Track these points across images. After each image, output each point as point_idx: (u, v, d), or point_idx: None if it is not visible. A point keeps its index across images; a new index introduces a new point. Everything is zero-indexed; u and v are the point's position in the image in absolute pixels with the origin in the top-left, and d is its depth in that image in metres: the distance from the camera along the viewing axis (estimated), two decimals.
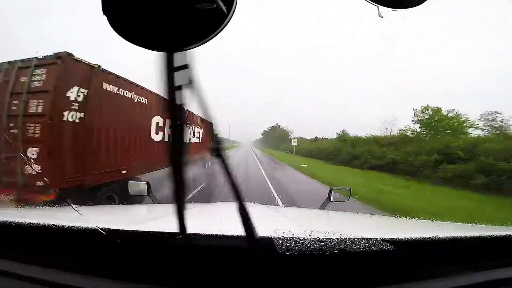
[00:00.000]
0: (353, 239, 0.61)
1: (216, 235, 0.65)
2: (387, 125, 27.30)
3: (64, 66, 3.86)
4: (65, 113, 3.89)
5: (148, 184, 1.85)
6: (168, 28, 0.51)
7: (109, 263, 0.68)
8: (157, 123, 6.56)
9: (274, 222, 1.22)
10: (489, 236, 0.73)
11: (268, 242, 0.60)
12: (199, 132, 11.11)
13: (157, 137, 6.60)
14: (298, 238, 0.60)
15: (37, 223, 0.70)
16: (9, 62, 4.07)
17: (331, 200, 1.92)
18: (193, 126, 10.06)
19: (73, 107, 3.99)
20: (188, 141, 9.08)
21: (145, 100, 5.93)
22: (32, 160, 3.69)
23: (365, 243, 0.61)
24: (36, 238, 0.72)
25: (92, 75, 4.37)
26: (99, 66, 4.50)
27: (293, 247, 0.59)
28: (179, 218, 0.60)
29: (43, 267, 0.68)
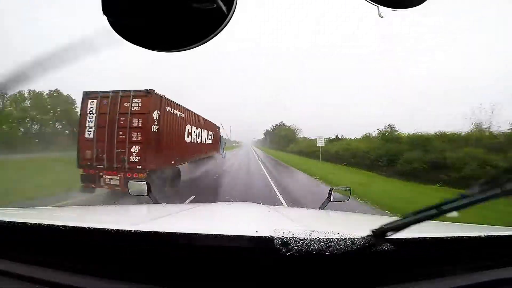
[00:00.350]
0: (353, 239, 0.61)
1: (216, 235, 0.65)
2: (481, 116, 15.67)
3: (152, 98, 6.52)
4: (152, 126, 6.57)
5: (148, 184, 1.85)
6: (168, 28, 0.51)
7: (109, 263, 0.68)
8: (188, 130, 9.57)
9: (274, 222, 1.22)
10: (489, 236, 0.73)
11: (268, 242, 0.60)
12: (211, 135, 13.85)
13: (187, 139, 9.59)
14: (298, 238, 0.60)
15: (37, 223, 0.70)
16: (113, 91, 6.55)
17: (331, 200, 1.92)
18: (207, 130, 12.78)
19: (155, 123, 6.67)
20: (204, 142, 12.41)
21: (182, 114, 8.69)
22: (134, 153, 6.34)
23: (365, 243, 0.61)
24: (36, 238, 0.72)
25: (162, 101, 7.03)
26: (164, 96, 7.12)
27: (293, 247, 0.59)
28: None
29: (43, 267, 0.68)
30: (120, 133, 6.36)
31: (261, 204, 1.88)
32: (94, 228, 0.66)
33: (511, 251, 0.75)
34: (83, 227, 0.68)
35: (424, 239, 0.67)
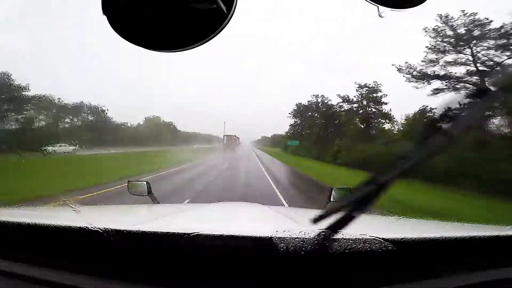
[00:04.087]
0: (353, 239, 0.61)
1: (216, 235, 0.65)
2: None
3: (235, 136, 50.07)
4: (235, 141, 49.80)
5: (148, 184, 1.84)
6: (168, 28, 0.51)
7: (110, 263, 0.68)
8: (236, 140, 51.42)
9: (274, 222, 1.22)
10: (489, 236, 0.73)
11: (268, 242, 0.60)
12: (237, 140, 52.39)
13: (235, 143, 49.89)
14: (298, 238, 0.60)
15: (37, 223, 0.70)
16: (227, 134, 47.35)
17: (332, 200, 1.92)
18: (237, 140, 52.07)
19: (235, 140, 50.66)
20: (238, 143, 60.80)
21: (235, 137, 49.92)
22: (236, 145, 48.69)
23: (365, 243, 0.61)
24: (36, 238, 0.72)
25: (236, 136, 50.88)
26: (235, 135, 50.57)
27: (293, 247, 0.59)
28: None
29: (43, 267, 0.68)
30: (231, 143, 44.52)
31: (261, 204, 1.89)
32: (94, 228, 0.66)
33: (511, 251, 0.74)
34: (82, 227, 0.68)
35: (425, 239, 0.67)
